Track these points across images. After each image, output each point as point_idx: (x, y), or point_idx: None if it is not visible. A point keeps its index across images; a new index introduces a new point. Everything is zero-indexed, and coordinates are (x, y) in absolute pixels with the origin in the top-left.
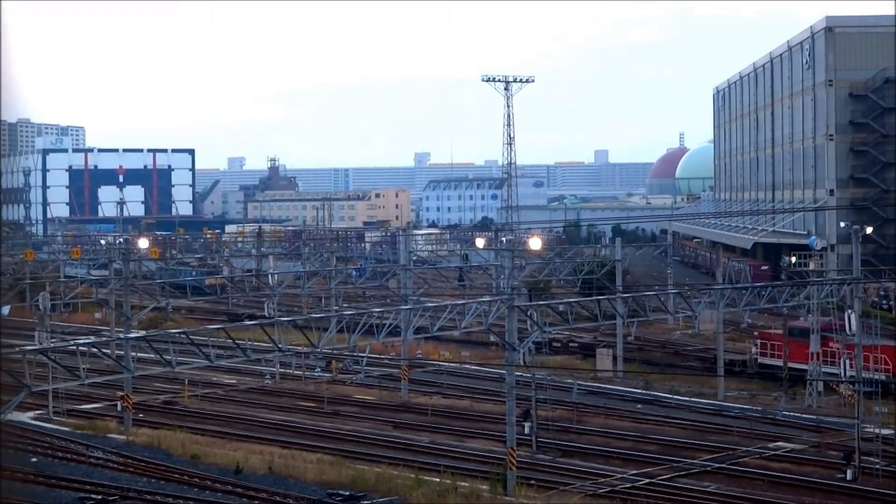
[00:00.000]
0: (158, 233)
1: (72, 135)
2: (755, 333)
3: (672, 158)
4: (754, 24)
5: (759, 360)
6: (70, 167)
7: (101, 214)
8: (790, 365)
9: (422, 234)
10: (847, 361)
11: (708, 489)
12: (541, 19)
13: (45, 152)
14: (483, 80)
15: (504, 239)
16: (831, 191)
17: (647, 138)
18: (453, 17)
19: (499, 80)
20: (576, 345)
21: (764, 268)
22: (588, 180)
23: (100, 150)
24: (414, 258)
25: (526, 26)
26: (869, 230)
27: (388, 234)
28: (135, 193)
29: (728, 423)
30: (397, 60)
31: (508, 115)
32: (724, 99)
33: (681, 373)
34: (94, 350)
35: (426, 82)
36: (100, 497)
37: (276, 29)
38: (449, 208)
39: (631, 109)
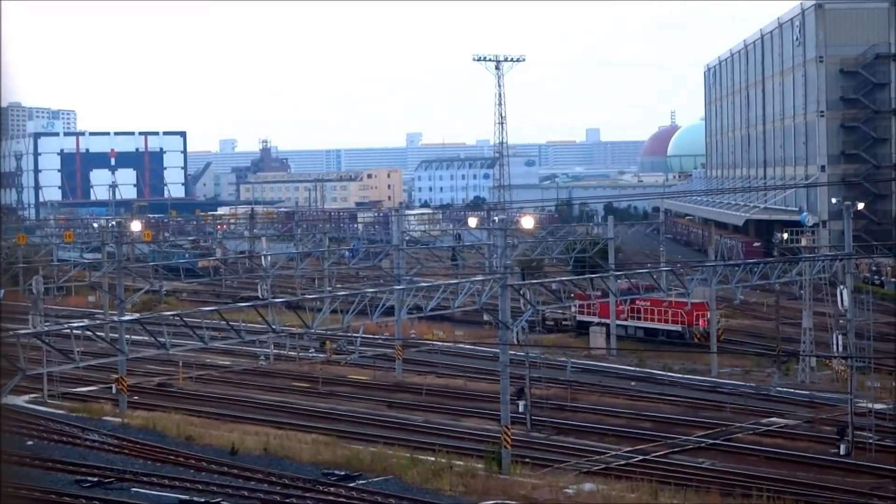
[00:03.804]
0: (151, 215)
1: (63, 118)
2: (572, 295)
3: (663, 136)
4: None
5: (578, 318)
6: (62, 151)
7: (93, 198)
8: (603, 321)
9: (414, 214)
10: (838, 337)
11: (702, 465)
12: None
13: (37, 136)
14: (474, 60)
15: (496, 218)
16: (822, 167)
17: (638, 116)
18: None
19: (490, 60)
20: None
21: (756, 244)
22: (580, 159)
23: (91, 134)
24: (406, 238)
25: (517, 7)
26: (860, 206)
27: (381, 214)
28: (127, 176)
29: (722, 399)
30: (389, 41)
31: (500, 95)
32: (716, 76)
33: (674, 350)
34: (89, 333)
35: (417, 63)
36: (96, 479)
37: (267, 9)
38: (441, 188)
39: (622, 87)
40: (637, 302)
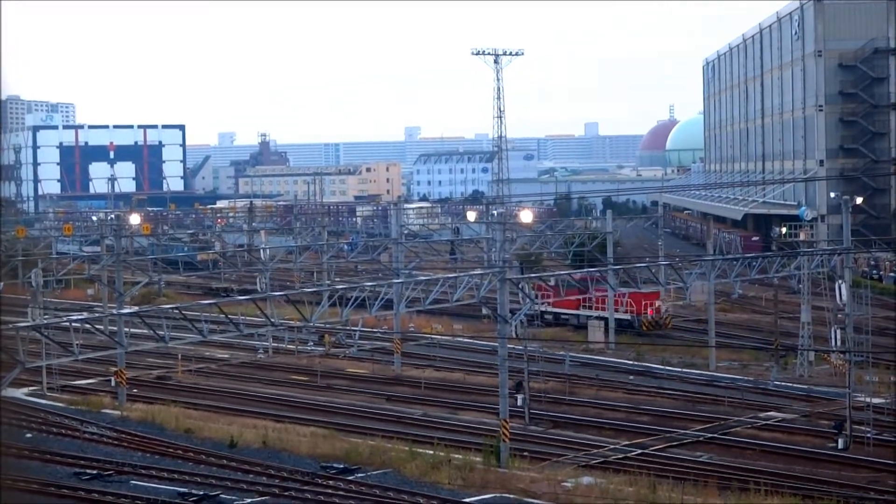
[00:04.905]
0: (150, 209)
1: (62, 111)
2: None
3: (662, 130)
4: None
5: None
6: (60, 144)
7: (92, 191)
8: (558, 311)
9: (413, 208)
10: (837, 332)
11: (700, 459)
12: None
13: (36, 129)
14: (473, 54)
15: (495, 212)
16: (821, 161)
17: (637, 111)
18: None
19: (488, 54)
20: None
21: (754, 239)
22: (578, 153)
23: (90, 127)
24: (405, 232)
25: (517, 5)
26: (859, 200)
27: (380, 208)
28: (125, 169)
29: (720, 393)
30: (388, 35)
31: (498, 89)
32: (714, 70)
33: (673, 343)
34: (88, 326)
35: (417, 57)
36: (95, 472)
37: (266, 10)
38: (440, 182)
39: (621, 82)
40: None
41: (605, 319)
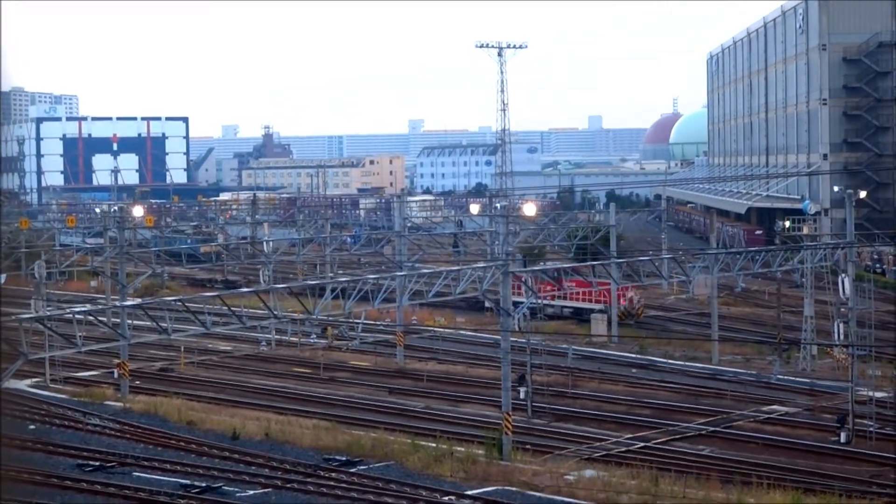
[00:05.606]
0: (153, 201)
1: (65, 103)
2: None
3: (666, 124)
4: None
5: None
6: (64, 136)
7: (95, 183)
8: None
9: (416, 201)
10: (840, 326)
11: (703, 452)
12: None
13: (39, 121)
14: (477, 47)
15: (498, 205)
16: (825, 155)
17: (640, 104)
18: None
19: (492, 47)
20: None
21: (758, 232)
22: (582, 146)
23: (94, 119)
24: (408, 225)
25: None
26: (862, 194)
27: (383, 200)
28: (129, 161)
29: (722, 386)
30: (393, 29)
31: (502, 82)
32: (718, 64)
33: (675, 337)
34: (91, 318)
35: (420, 49)
36: (98, 463)
37: (268, 10)
38: (443, 175)
39: (625, 75)
40: (564, 284)
41: (584, 310)
